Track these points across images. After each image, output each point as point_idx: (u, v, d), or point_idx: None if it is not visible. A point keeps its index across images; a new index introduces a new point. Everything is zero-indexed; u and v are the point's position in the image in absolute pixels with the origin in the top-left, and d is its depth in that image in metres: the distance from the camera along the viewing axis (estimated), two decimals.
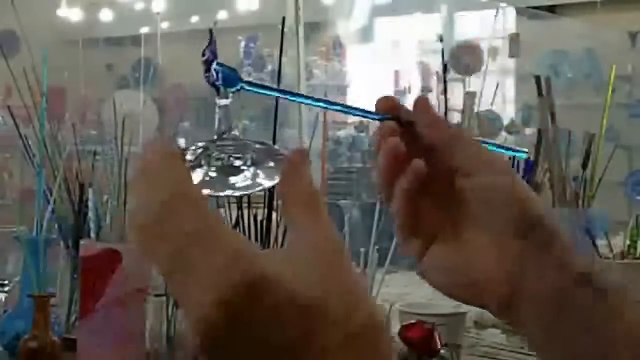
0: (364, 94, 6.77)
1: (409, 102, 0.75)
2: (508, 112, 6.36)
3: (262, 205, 1.33)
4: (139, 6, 6.66)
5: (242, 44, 6.93)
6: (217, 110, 0.65)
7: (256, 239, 1.29)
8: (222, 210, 1.38)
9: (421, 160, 0.72)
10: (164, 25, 6.43)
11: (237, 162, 0.62)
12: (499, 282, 0.71)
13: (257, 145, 0.64)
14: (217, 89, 0.65)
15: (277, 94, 0.72)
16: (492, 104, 5.08)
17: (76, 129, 1.56)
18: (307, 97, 0.73)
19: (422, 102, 0.75)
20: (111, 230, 1.36)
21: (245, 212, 1.33)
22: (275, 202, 1.34)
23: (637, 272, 1.82)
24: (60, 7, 6.59)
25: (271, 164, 0.61)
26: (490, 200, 0.72)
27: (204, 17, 6.63)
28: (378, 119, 0.74)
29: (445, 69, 2.32)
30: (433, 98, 5.97)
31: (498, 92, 5.15)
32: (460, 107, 2.12)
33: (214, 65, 0.64)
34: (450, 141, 0.73)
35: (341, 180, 6.41)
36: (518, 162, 2.07)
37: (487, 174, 0.72)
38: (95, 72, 6.50)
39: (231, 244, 0.49)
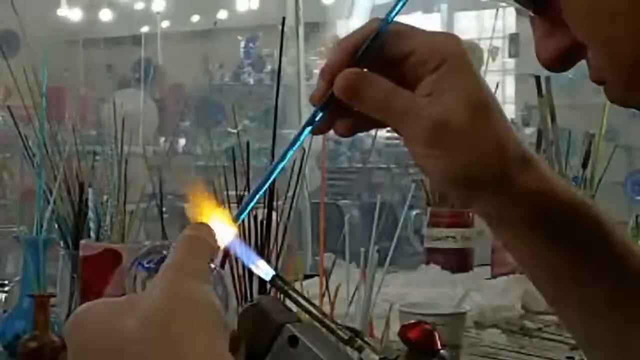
0: None
1: None
2: (508, 112, 6.36)
3: (262, 205, 1.33)
4: (139, 6, 6.66)
5: (242, 44, 6.93)
6: None
7: (256, 239, 1.29)
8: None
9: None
10: (164, 25, 6.43)
11: None
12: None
13: None
14: None
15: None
16: None
17: (76, 129, 1.56)
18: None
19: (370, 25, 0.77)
20: (111, 230, 1.36)
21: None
22: (275, 202, 1.34)
23: None
24: (60, 7, 6.58)
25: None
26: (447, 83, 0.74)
27: (204, 17, 6.63)
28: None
29: None
30: None
31: (498, 92, 5.15)
32: None
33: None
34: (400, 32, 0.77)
35: (341, 180, 6.40)
36: None
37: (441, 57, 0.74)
38: (95, 72, 6.50)
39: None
